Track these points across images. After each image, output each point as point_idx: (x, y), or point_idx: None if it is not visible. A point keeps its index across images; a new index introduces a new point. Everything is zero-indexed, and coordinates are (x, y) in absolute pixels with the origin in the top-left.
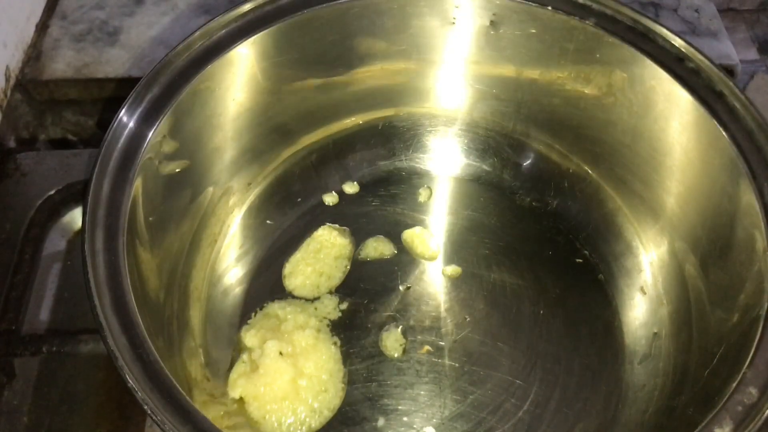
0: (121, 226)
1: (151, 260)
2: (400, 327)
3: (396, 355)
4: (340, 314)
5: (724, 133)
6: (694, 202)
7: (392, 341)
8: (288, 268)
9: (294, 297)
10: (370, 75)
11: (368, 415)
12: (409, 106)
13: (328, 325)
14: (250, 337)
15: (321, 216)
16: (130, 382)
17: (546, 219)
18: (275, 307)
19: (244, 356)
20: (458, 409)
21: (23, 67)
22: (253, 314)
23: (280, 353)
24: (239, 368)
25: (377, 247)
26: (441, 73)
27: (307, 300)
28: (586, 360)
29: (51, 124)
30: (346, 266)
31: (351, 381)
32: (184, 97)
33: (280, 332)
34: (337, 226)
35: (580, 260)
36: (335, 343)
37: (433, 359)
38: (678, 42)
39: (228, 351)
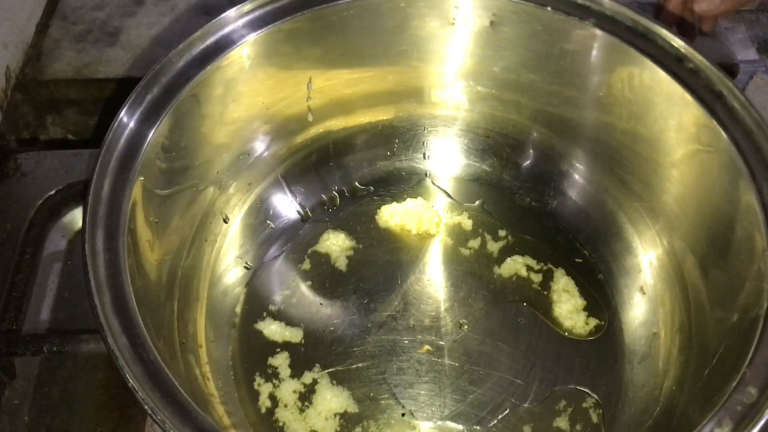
0: (121, 226)
1: (151, 260)
2: None
3: None
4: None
5: (723, 133)
6: (694, 203)
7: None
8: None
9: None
10: (370, 75)
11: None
12: (409, 106)
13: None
14: None
15: (321, 216)
16: (131, 381)
17: (546, 219)
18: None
19: None
20: (458, 409)
21: (24, 67)
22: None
23: None
24: None
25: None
26: (441, 73)
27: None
28: (585, 360)
29: (51, 124)
30: (348, 268)
31: (351, 380)
32: (184, 97)
33: None
34: (340, 230)
35: (580, 260)
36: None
37: (433, 359)
38: (677, 42)
39: (228, 350)
